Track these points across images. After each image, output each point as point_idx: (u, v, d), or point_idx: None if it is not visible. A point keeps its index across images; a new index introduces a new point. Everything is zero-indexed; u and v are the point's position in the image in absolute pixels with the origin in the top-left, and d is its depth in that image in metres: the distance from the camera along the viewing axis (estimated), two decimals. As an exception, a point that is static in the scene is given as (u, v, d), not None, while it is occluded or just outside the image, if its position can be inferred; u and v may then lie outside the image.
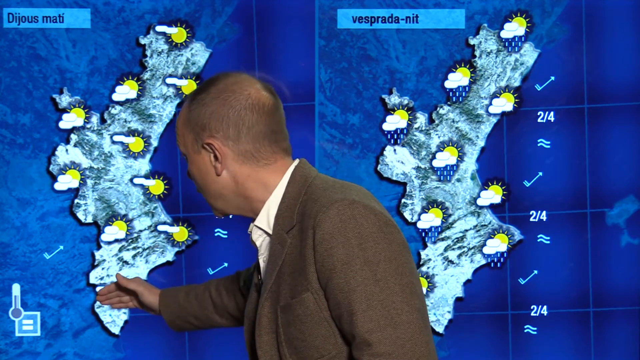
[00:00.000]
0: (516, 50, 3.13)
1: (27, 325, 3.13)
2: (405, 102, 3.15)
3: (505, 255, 3.16)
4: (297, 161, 1.72)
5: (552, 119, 3.14)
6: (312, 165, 1.75)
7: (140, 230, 3.14)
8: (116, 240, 3.14)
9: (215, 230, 3.15)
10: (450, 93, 3.15)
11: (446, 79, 3.14)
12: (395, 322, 1.53)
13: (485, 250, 3.15)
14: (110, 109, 3.13)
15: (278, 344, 1.65)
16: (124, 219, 3.14)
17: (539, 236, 3.15)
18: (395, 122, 3.15)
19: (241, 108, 1.66)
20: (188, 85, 3.13)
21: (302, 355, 1.63)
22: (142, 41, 3.12)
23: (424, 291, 3.16)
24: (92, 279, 3.14)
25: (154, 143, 3.14)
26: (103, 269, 3.14)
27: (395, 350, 1.52)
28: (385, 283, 1.55)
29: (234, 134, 1.66)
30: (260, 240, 1.73)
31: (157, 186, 3.14)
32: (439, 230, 3.16)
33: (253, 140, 1.67)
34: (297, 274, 1.61)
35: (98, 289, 3.14)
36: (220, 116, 1.66)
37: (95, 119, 3.13)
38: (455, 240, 3.16)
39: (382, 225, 1.59)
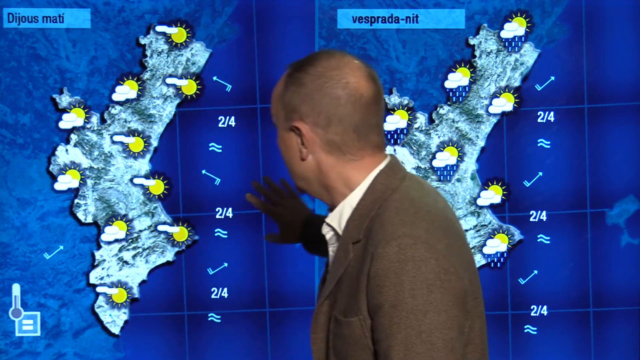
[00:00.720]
0: (516, 50, 3.13)
1: (27, 325, 3.13)
2: (405, 102, 3.15)
3: (505, 255, 3.16)
4: (384, 162, 1.64)
5: (552, 119, 3.14)
6: (402, 166, 1.68)
7: (140, 230, 3.14)
8: (116, 240, 3.14)
9: (215, 230, 3.15)
10: (450, 93, 3.15)
11: (446, 79, 3.14)
12: None
13: (485, 250, 3.15)
14: (110, 109, 3.13)
15: (327, 347, 1.63)
16: (124, 219, 3.14)
17: (539, 236, 3.15)
18: (395, 122, 3.15)
19: (336, 97, 1.58)
20: (188, 85, 3.13)
21: None
22: (142, 41, 3.12)
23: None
24: (92, 279, 3.14)
25: (154, 143, 3.14)
26: (103, 269, 3.14)
27: None
28: (428, 336, 1.48)
29: (324, 122, 1.59)
30: (329, 235, 1.69)
31: (157, 186, 3.14)
32: (439, 230, 3.15)
33: (342, 132, 1.59)
34: (352, 293, 1.57)
35: (98, 289, 3.14)
36: (313, 102, 1.59)
37: (95, 119, 3.13)
38: (455, 240, 3.16)
39: (442, 272, 1.50)
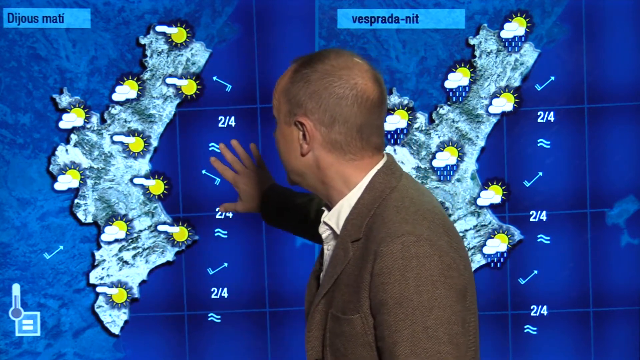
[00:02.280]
0: (516, 50, 3.13)
1: (27, 325, 3.13)
2: (405, 102, 3.15)
3: (505, 255, 3.16)
4: (382, 162, 1.66)
5: (552, 119, 3.14)
6: (398, 165, 1.70)
7: (140, 230, 3.14)
8: (116, 240, 3.14)
9: (215, 230, 3.15)
10: (450, 93, 3.15)
11: (446, 79, 3.14)
12: None
13: (485, 250, 3.15)
14: (110, 109, 3.13)
15: (323, 345, 1.63)
16: (124, 219, 3.14)
17: (539, 236, 3.15)
18: (395, 122, 3.15)
19: (343, 97, 1.59)
20: (188, 85, 3.13)
21: None
22: (142, 41, 3.12)
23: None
24: (92, 279, 3.14)
25: (154, 143, 3.14)
26: (103, 269, 3.14)
27: None
28: (434, 331, 1.50)
29: (329, 121, 1.60)
30: (326, 234, 1.69)
31: (157, 186, 3.14)
32: (439, 230, 3.15)
33: (345, 133, 1.60)
34: (352, 291, 1.57)
35: (98, 289, 3.14)
36: (319, 99, 1.60)
37: (95, 119, 3.13)
38: (455, 240, 3.16)
39: (445, 268, 1.52)
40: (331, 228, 1.67)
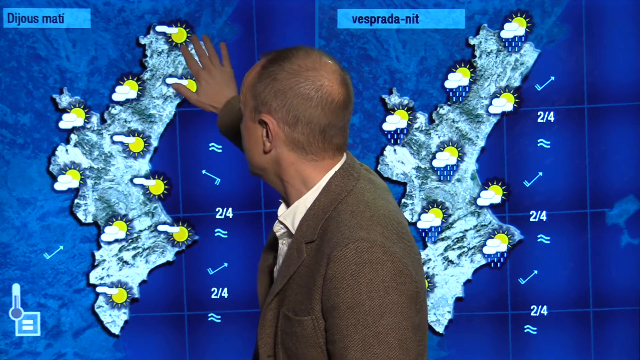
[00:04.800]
0: (516, 50, 3.13)
1: (27, 325, 3.13)
2: (405, 102, 3.15)
3: (505, 255, 3.16)
4: (340, 163, 1.66)
5: (552, 119, 3.14)
6: (357, 165, 1.70)
7: (140, 230, 3.14)
8: (116, 240, 3.14)
9: (215, 230, 3.15)
10: (450, 93, 3.15)
11: (446, 79, 3.14)
12: None
13: (485, 250, 3.15)
14: (110, 109, 3.13)
15: (275, 343, 1.65)
16: (124, 219, 3.14)
17: (539, 236, 3.15)
18: (395, 122, 3.15)
19: (308, 99, 1.59)
20: (188, 85, 3.13)
21: None
22: (142, 41, 3.12)
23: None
24: (92, 279, 3.14)
25: (154, 143, 3.14)
26: (103, 269, 3.14)
27: None
28: (385, 337, 1.51)
29: (292, 121, 1.60)
30: (280, 232, 1.70)
31: (157, 186, 3.14)
32: (439, 230, 3.16)
33: (308, 133, 1.60)
34: (304, 292, 1.58)
35: (98, 289, 3.14)
36: (284, 99, 1.59)
37: (95, 119, 3.13)
38: (455, 240, 3.16)
39: (397, 274, 1.53)
40: (286, 227, 1.68)
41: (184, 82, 3.12)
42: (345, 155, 1.68)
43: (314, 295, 1.56)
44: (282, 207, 1.70)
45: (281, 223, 1.68)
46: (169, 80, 2.20)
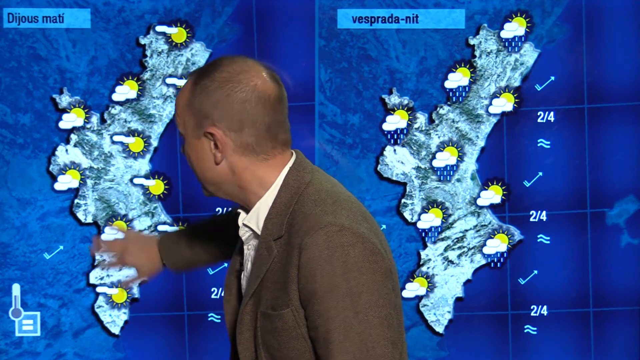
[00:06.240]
0: (516, 50, 3.13)
1: (27, 325, 3.13)
2: (405, 102, 3.15)
3: (505, 255, 3.16)
4: (292, 158, 1.69)
5: (552, 119, 3.14)
6: (308, 160, 1.73)
7: (140, 230, 3.14)
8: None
9: (215, 230, 3.15)
10: (450, 93, 3.15)
11: (446, 79, 3.14)
12: (370, 355, 1.54)
13: (485, 250, 3.15)
14: (110, 109, 3.13)
15: (255, 345, 1.66)
16: (124, 219, 3.14)
17: (539, 236, 3.15)
18: (395, 122, 3.15)
19: (247, 101, 1.62)
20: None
21: None
22: (142, 41, 3.12)
23: (424, 292, 3.16)
24: (92, 279, 3.14)
25: (154, 143, 3.14)
26: (103, 269, 3.14)
27: None
28: (365, 315, 1.54)
29: (237, 126, 1.62)
30: (246, 235, 1.72)
31: (157, 186, 3.14)
32: (439, 230, 3.16)
33: (255, 134, 1.63)
34: (280, 287, 1.60)
35: (98, 289, 3.14)
36: (224, 107, 1.62)
37: (95, 119, 3.13)
38: (455, 240, 3.16)
39: (369, 254, 1.57)
40: (251, 229, 1.69)
41: (184, 82, 3.12)
42: (295, 153, 1.71)
43: (291, 286, 1.58)
44: (242, 213, 1.72)
45: (246, 226, 1.70)
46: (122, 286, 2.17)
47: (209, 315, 3.16)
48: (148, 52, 3.12)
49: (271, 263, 1.62)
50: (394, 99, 3.15)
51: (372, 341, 1.54)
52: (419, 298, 3.16)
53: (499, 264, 3.16)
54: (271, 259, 1.62)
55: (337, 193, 1.66)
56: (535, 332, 3.16)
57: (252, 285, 1.65)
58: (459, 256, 3.16)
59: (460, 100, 3.15)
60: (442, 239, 3.16)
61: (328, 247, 1.55)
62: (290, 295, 1.58)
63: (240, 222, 1.72)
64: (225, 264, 3.17)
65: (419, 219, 3.15)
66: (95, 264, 2.22)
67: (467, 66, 3.14)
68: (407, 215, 3.15)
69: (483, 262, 3.16)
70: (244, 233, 1.71)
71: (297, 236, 1.58)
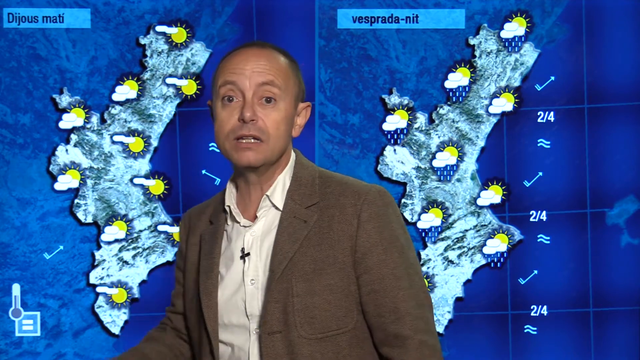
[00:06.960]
0: (516, 50, 3.13)
1: (27, 325, 3.13)
2: (405, 102, 3.15)
3: (505, 255, 3.16)
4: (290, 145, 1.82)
5: (552, 119, 3.14)
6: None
7: (140, 230, 3.14)
8: (116, 240, 3.14)
9: (215, 230, 3.15)
10: (450, 93, 3.15)
11: (446, 79, 3.14)
12: (422, 303, 1.70)
13: (485, 250, 3.15)
14: (110, 109, 3.13)
15: (287, 313, 1.67)
16: (124, 219, 3.14)
17: (539, 236, 3.15)
18: (395, 122, 3.15)
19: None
20: (188, 85, 3.13)
21: (317, 326, 1.67)
22: (142, 41, 3.12)
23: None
24: (92, 279, 3.14)
25: (154, 143, 3.14)
26: (103, 269, 3.14)
27: (428, 328, 1.70)
28: (415, 267, 1.73)
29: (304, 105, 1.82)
30: (265, 213, 1.75)
31: (157, 186, 3.14)
32: (439, 230, 3.16)
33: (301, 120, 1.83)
34: (326, 248, 1.68)
35: (98, 289, 3.14)
36: (304, 92, 1.83)
37: (95, 119, 3.13)
38: (455, 240, 3.16)
39: (400, 215, 1.78)
40: (274, 206, 1.75)
41: (184, 82, 3.12)
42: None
43: (343, 244, 1.69)
44: (231, 196, 1.81)
45: (269, 200, 1.75)
46: None
47: (209, 315, 3.15)
48: (148, 52, 3.12)
49: (310, 229, 1.70)
50: (394, 99, 3.15)
51: (424, 291, 1.72)
52: (419, 298, 3.15)
53: (499, 264, 3.16)
54: (309, 225, 1.70)
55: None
56: (535, 332, 3.16)
57: (286, 255, 1.69)
58: (459, 256, 3.16)
59: (460, 100, 3.15)
60: (442, 239, 3.16)
61: (384, 204, 1.72)
62: (344, 251, 1.69)
63: (266, 194, 1.76)
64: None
65: (419, 219, 3.15)
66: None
67: (467, 66, 3.14)
68: (407, 215, 3.15)
69: (483, 262, 3.16)
70: (264, 206, 1.75)
71: (346, 197, 1.71)
